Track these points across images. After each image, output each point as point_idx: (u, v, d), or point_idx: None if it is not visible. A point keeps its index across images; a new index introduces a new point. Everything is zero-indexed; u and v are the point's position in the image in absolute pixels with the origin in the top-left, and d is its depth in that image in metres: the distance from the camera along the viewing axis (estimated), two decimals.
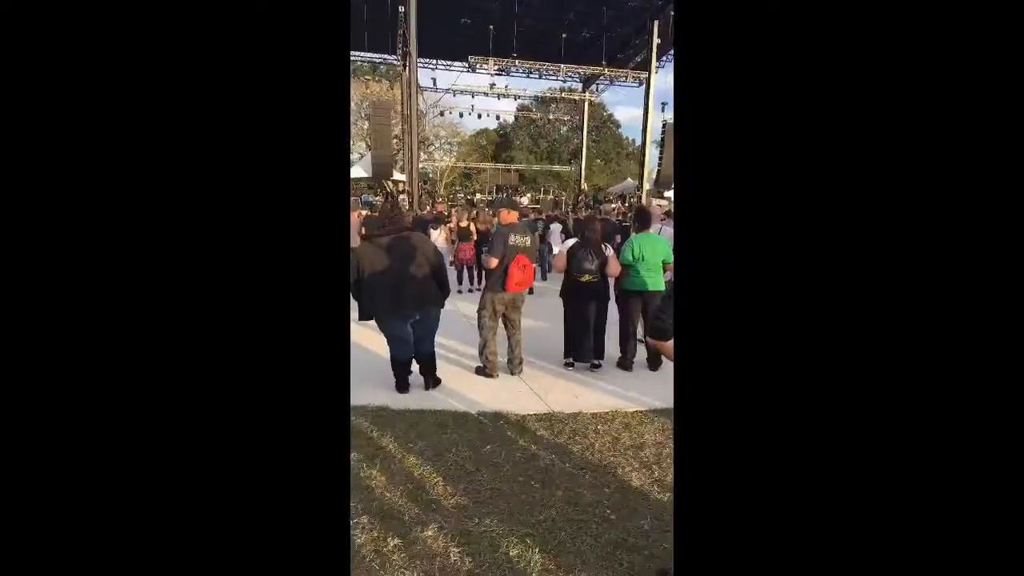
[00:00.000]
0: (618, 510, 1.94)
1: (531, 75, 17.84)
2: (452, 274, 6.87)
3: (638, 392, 3.15)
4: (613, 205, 14.36)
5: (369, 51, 17.93)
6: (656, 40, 16.19)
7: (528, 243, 3.28)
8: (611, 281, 3.57)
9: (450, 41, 16.88)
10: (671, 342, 1.33)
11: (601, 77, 18.41)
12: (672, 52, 17.97)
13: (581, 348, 3.54)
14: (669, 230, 4.41)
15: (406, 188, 15.60)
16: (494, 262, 3.19)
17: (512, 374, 3.39)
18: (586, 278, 3.43)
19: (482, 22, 15.56)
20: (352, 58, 20.41)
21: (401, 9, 14.11)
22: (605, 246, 3.48)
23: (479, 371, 3.40)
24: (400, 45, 15.30)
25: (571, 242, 3.59)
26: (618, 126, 32.94)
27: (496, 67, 15.95)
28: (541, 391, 3.17)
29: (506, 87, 17.54)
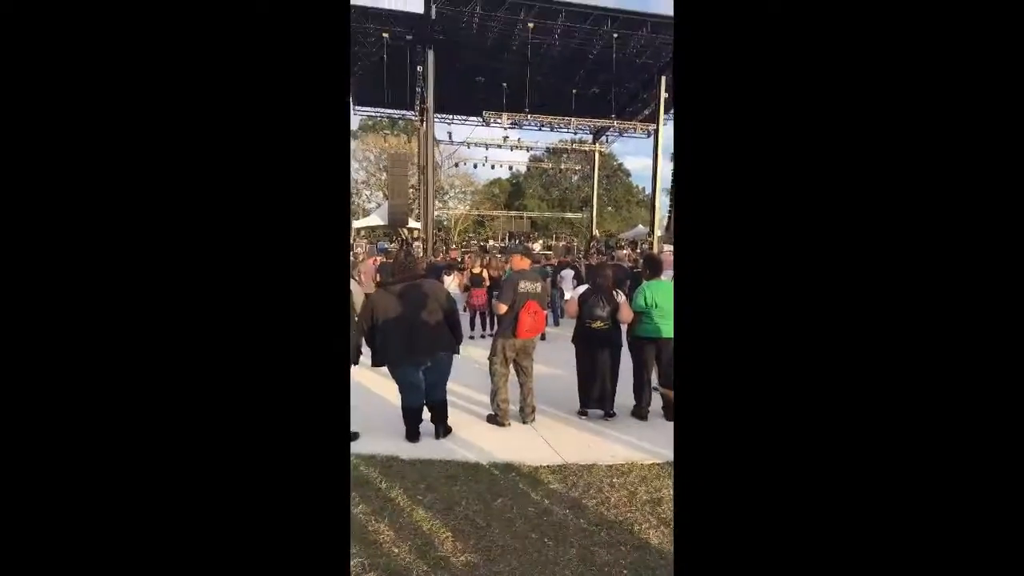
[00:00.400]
0: (636, 570, 1.85)
1: (543, 128, 18.52)
2: (464, 320, 6.92)
3: (653, 443, 3.05)
4: (625, 251, 14.47)
5: (389, 107, 18.88)
6: (664, 94, 16.81)
7: (538, 289, 3.31)
8: (623, 328, 3.54)
9: (465, 98, 17.72)
10: None
11: (611, 129, 19.04)
12: None
13: (593, 396, 3.48)
14: None
15: (421, 235, 15.96)
16: (503, 308, 3.21)
17: (524, 422, 3.32)
18: (597, 324, 3.41)
19: (496, 79, 16.38)
20: (372, 114, 21.49)
21: (419, 68, 14.97)
22: (617, 292, 3.48)
23: (491, 419, 3.34)
24: (418, 101, 16.12)
25: (583, 288, 3.60)
26: (628, 175, 33.76)
27: (509, 121, 16.63)
28: (554, 441, 3.10)
29: (519, 140, 18.23)
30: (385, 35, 14.14)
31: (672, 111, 18.10)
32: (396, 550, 1.96)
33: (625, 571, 1.85)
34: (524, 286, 3.24)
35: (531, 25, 13.70)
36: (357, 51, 15.40)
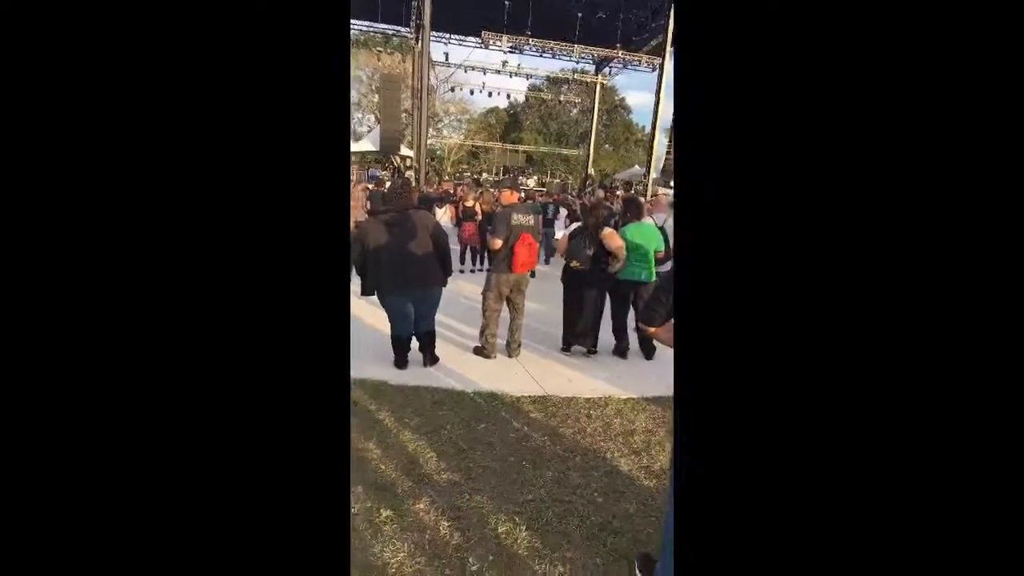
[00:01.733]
0: (605, 494, 2.00)
1: (544, 54, 17.53)
2: (455, 254, 6.92)
3: (631, 380, 3.20)
4: (619, 192, 14.28)
5: (382, 22, 17.59)
6: (672, 24, 15.84)
7: (531, 222, 3.28)
8: (616, 258, 3.53)
9: (464, 14, 16.53)
10: (661, 328, 1.36)
11: (615, 60, 18.08)
12: None
13: (575, 333, 3.59)
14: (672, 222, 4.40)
15: (413, 164, 15.50)
16: (498, 243, 3.21)
17: (509, 357, 3.44)
18: (575, 264, 3.44)
19: None
20: (364, 28, 20.08)
21: None
22: (604, 228, 3.47)
23: (477, 351, 3.45)
24: (414, 16, 15.02)
25: (574, 227, 3.60)
26: (629, 111, 32.51)
27: (509, 44, 15.67)
28: (537, 374, 3.22)
29: (518, 66, 17.30)
30: None
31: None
32: (383, 467, 2.09)
33: (595, 493, 2.00)
34: (517, 219, 3.21)
35: None
36: None
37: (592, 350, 3.58)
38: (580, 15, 15.88)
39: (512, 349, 3.43)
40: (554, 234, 8.22)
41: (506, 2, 15.08)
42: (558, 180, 20.66)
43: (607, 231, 3.36)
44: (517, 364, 3.37)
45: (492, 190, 7.86)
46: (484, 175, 21.98)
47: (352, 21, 18.18)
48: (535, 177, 21.44)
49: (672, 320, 1.30)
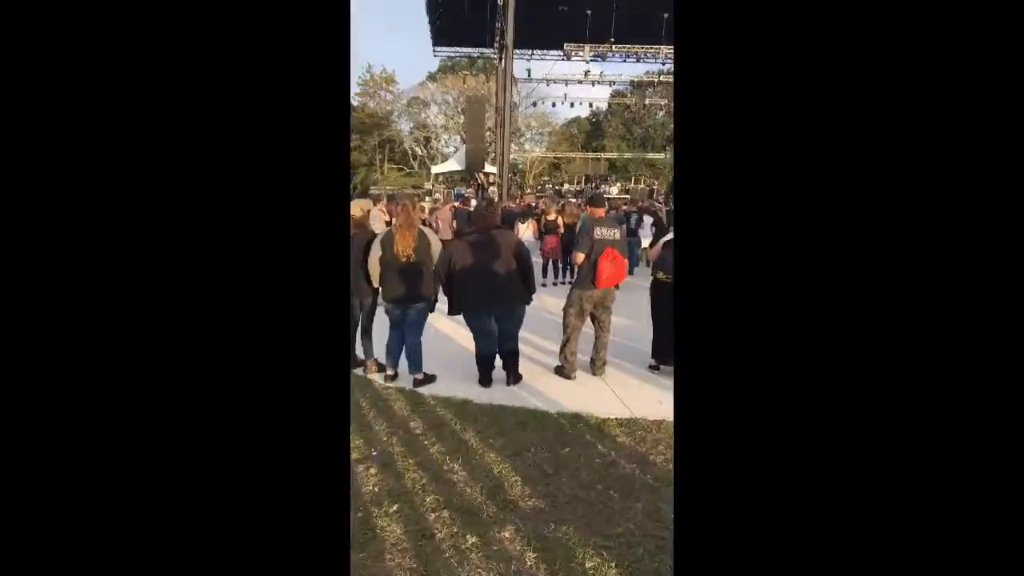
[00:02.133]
0: None
1: (628, 59, 17.20)
2: (537, 267, 6.93)
3: None
4: None
5: (468, 46, 18.37)
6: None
7: (617, 236, 3.18)
8: None
9: (547, 29, 16.74)
10: None
11: None
12: None
13: (663, 350, 3.39)
14: None
15: (496, 180, 15.90)
16: (581, 257, 3.15)
17: (594, 375, 3.33)
18: (661, 276, 3.29)
19: (579, 7, 15.24)
20: (451, 54, 21.10)
21: (500, 1, 14.27)
22: None
23: (558, 371, 3.38)
24: (497, 37, 15.51)
25: (667, 237, 3.44)
26: None
27: (592, 53, 15.58)
28: (624, 394, 3.09)
29: (601, 73, 17.12)
30: None
31: None
32: (469, 490, 2.10)
33: None
34: (601, 232, 3.13)
35: None
36: None
37: None
38: (665, 15, 15.37)
39: (596, 367, 3.33)
40: (640, 243, 7.95)
41: (587, 12, 15.04)
42: (643, 186, 20.00)
43: None
44: (603, 383, 3.26)
45: (573, 201, 7.79)
46: (566, 185, 21.93)
47: (438, 48, 19.22)
48: (618, 184, 20.95)
49: None
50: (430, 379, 3.23)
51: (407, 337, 3.17)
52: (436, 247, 3.11)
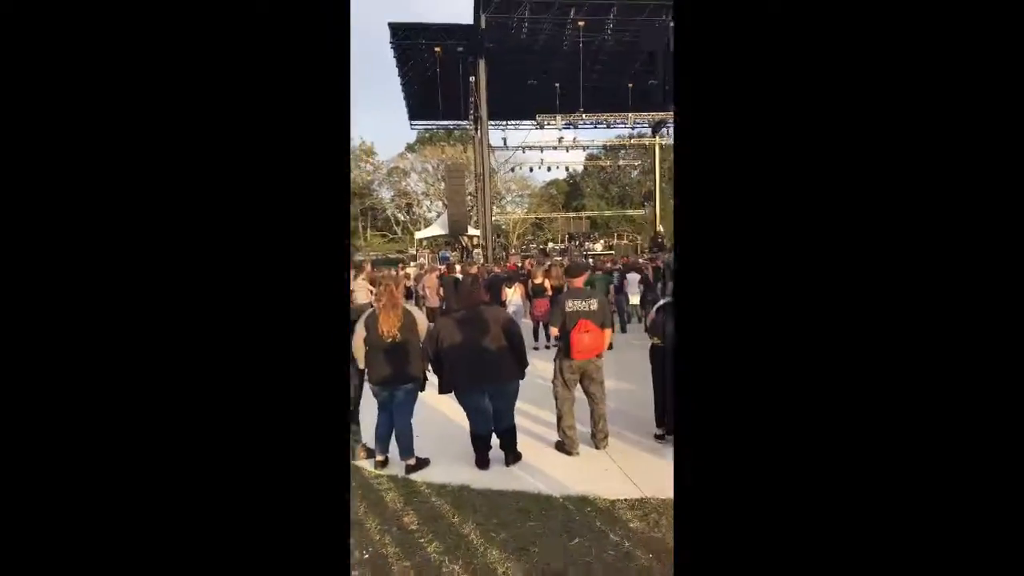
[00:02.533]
0: None
1: (598, 125, 18.16)
2: (528, 330, 6.84)
3: None
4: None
5: (444, 119, 19.27)
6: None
7: (592, 307, 3.09)
8: None
9: (518, 102, 17.72)
10: None
11: (670, 121, 18.28)
12: None
13: (665, 416, 3.28)
14: None
15: (480, 242, 16.14)
16: (555, 331, 3.11)
17: (596, 448, 3.16)
18: (658, 342, 3.24)
19: (549, 81, 16.24)
20: (428, 126, 22.08)
21: (472, 78, 15.15)
22: None
23: (559, 447, 3.21)
24: (472, 110, 16.33)
25: (664, 301, 3.42)
26: None
27: (564, 121, 16.42)
28: (630, 470, 2.92)
29: (574, 139, 17.94)
30: (437, 49, 14.44)
31: None
32: None
33: None
34: (572, 305, 3.07)
35: (581, 23, 13.46)
36: (412, 66, 15.88)
37: None
38: (631, 85, 16.44)
39: (598, 440, 3.16)
40: (628, 299, 7.97)
41: (556, 84, 16.01)
42: (626, 242, 20.45)
43: None
44: (606, 457, 3.09)
45: (560, 262, 7.85)
46: (550, 244, 22.33)
47: (415, 121, 20.12)
48: (601, 241, 21.40)
49: None
50: (423, 463, 3.03)
51: (396, 420, 3.00)
52: (422, 324, 3.02)
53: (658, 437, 3.32)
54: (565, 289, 3.33)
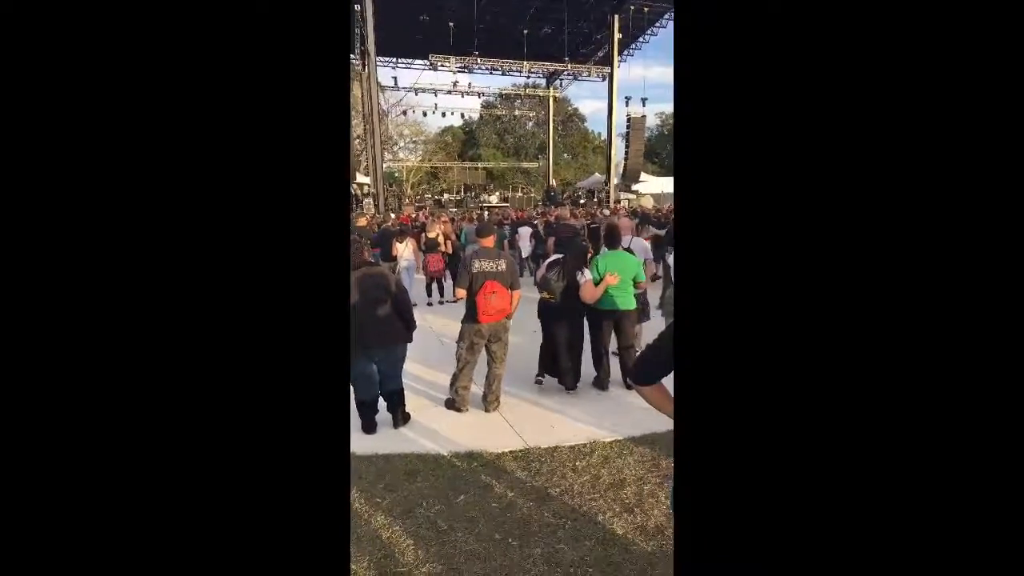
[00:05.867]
0: (600, 566, 1.84)
1: (494, 72, 17.62)
2: (421, 286, 6.70)
3: (614, 418, 3.07)
4: (582, 205, 14.28)
5: None
6: (617, 35, 16.20)
7: (501, 267, 3.06)
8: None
9: (410, 39, 16.48)
10: (654, 388, 1.21)
11: (564, 73, 18.35)
12: (633, 46, 18.03)
13: (549, 368, 3.50)
14: (640, 242, 4.33)
15: (371, 190, 15.21)
16: (462, 292, 3.03)
17: (486, 411, 3.21)
18: (545, 296, 3.36)
19: (442, 19, 15.24)
20: None
21: (357, 7, 13.68)
22: (580, 272, 3.34)
23: (448, 404, 3.24)
24: (358, 43, 14.84)
25: (552, 258, 3.51)
26: (583, 120, 33.05)
27: (458, 65, 15.67)
28: (516, 422, 3.06)
29: (469, 84, 17.29)
30: None
31: (626, 50, 17.56)
32: (354, 567, 1.88)
33: (590, 569, 1.84)
34: (480, 265, 3.01)
35: None
36: None
37: (569, 388, 3.44)
38: (526, 32, 16.04)
39: (489, 403, 3.21)
40: (520, 253, 8.12)
41: (450, 24, 15.10)
42: (520, 194, 20.65)
43: (585, 282, 3.26)
44: (496, 414, 3.19)
45: (453, 219, 7.68)
46: (445, 195, 21.78)
47: None
48: (497, 193, 21.37)
49: (665, 380, 1.16)
50: None
51: None
52: None
53: (537, 381, 3.53)
54: (467, 250, 3.26)
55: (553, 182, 20.84)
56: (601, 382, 3.50)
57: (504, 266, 3.07)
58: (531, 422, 3.06)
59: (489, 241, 3.17)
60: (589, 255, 3.55)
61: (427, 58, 15.62)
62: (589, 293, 3.27)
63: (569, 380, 3.41)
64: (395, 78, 17.63)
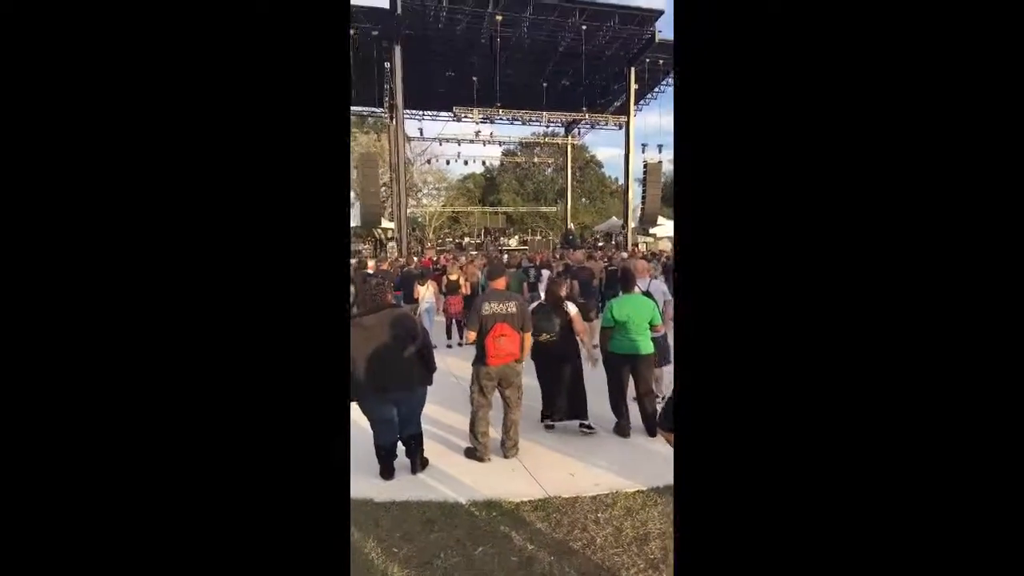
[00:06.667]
0: None
1: (515, 122, 18.32)
2: (441, 327, 6.75)
3: (636, 466, 2.97)
4: (600, 250, 14.37)
5: (357, 104, 18.35)
6: (634, 86, 16.77)
7: (511, 309, 3.03)
8: (581, 340, 3.50)
9: (435, 93, 17.35)
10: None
11: (582, 122, 18.95)
12: (649, 95, 18.61)
13: (557, 408, 3.46)
14: (659, 284, 4.33)
15: (395, 235, 15.63)
16: (472, 335, 3.05)
17: (505, 457, 3.15)
18: (544, 338, 3.35)
19: (466, 74, 16.06)
20: None
21: (387, 64, 14.55)
22: (567, 304, 3.40)
23: (468, 453, 3.19)
24: (387, 97, 15.69)
25: (534, 304, 3.52)
26: (601, 166, 33.81)
27: (481, 116, 16.36)
28: (535, 469, 2.99)
29: (491, 134, 17.95)
30: (351, 31, 13.67)
31: (642, 100, 18.13)
32: None
33: None
34: (490, 307, 3.00)
35: (499, 18, 13.45)
36: None
37: (586, 424, 3.38)
38: (545, 84, 16.75)
39: (507, 449, 3.15)
40: (540, 296, 8.14)
41: (474, 78, 15.88)
42: (539, 238, 20.93)
43: (573, 313, 3.31)
44: (515, 460, 3.13)
45: (475, 261, 7.82)
46: (466, 239, 22.22)
47: None
48: (516, 236, 21.71)
49: None
50: None
51: None
52: None
53: (548, 427, 3.49)
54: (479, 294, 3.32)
55: (571, 226, 21.12)
56: (622, 429, 3.42)
57: (514, 308, 3.05)
58: (550, 469, 2.99)
59: (500, 283, 3.19)
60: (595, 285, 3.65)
61: (451, 110, 16.37)
62: (579, 325, 3.32)
63: (572, 415, 3.40)
64: (421, 129, 18.44)
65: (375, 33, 13.85)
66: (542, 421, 3.54)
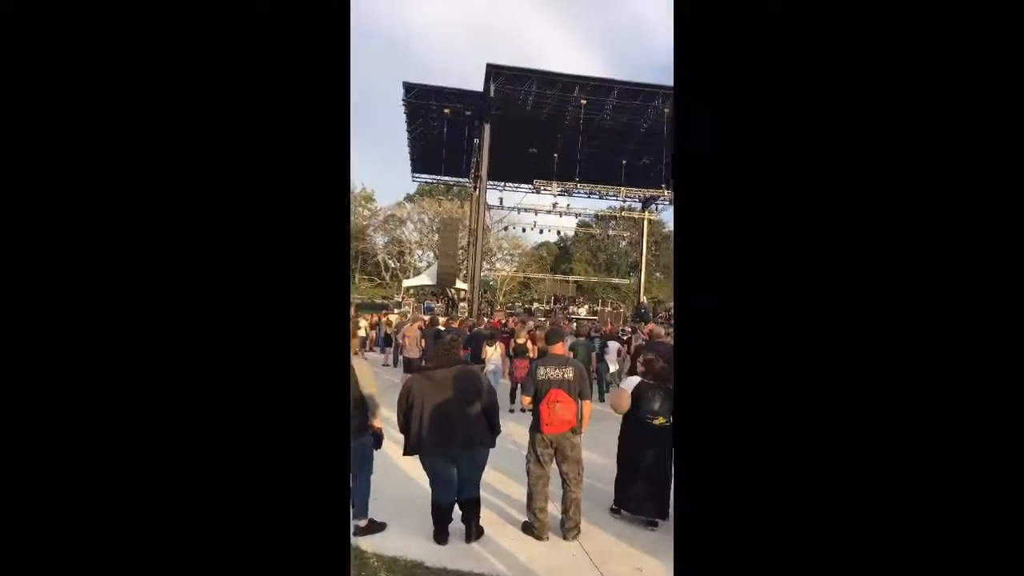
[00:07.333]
0: None
1: (592, 196, 18.80)
2: (505, 389, 6.66)
3: None
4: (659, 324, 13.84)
5: (445, 175, 19.85)
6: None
7: (568, 375, 2.93)
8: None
9: (518, 167, 18.39)
10: None
11: (660, 199, 19.04)
12: None
13: (634, 497, 3.14)
14: None
15: (467, 296, 16.13)
16: (527, 400, 2.97)
17: (565, 539, 2.92)
18: (659, 421, 3.05)
19: (548, 151, 16.97)
20: (429, 180, 22.67)
21: (476, 140, 15.78)
22: (619, 381, 3.18)
23: (526, 528, 2.99)
24: (473, 169, 16.88)
25: (635, 380, 3.31)
26: None
27: (559, 188, 17.00)
28: (598, 557, 2.73)
29: (568, 206, 18.50)
30: (447, 110, 15.12)
31: None
32: None
33: None
34: (545, 372, 2.92)
35: (583, 101, 14.27)
36: (420, 123, 16.54)
37: (652, 521, 3.07)
38: (624, 162, 17.22)
39: (568, 529, 2.92)
40: (607, 368, 7.85)
41: (555, 154, 16.71)
42: (609, 308, 20.61)
43: (620, 391, 3.11)
44: (576, 543, 2.90)
45: (539, 330, 7.80)
46: (535, 304, 22.41)
47: (417, 174, 20.68)
48: (586, 306, 21.55)
49: None
50: (378, 527, 2.82)
51: (357, 475, 2.81)
52: (364, 374, 2.88)
53: (613, 511, 3.19)
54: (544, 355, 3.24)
55: (644, 299, 20.65)
56: None
57: (571, 374, 2.95)
58: (614, 559, 2.72)
59: (558, 348, 3.12)
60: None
61: (532, 182, 17.20)
62: (622, 403, 3.08)
63: (656, 509, 3.06)
64: (501, 199, 19.43)
65: (468, 113, 15.19)
66: (614, 507, 3.25)
